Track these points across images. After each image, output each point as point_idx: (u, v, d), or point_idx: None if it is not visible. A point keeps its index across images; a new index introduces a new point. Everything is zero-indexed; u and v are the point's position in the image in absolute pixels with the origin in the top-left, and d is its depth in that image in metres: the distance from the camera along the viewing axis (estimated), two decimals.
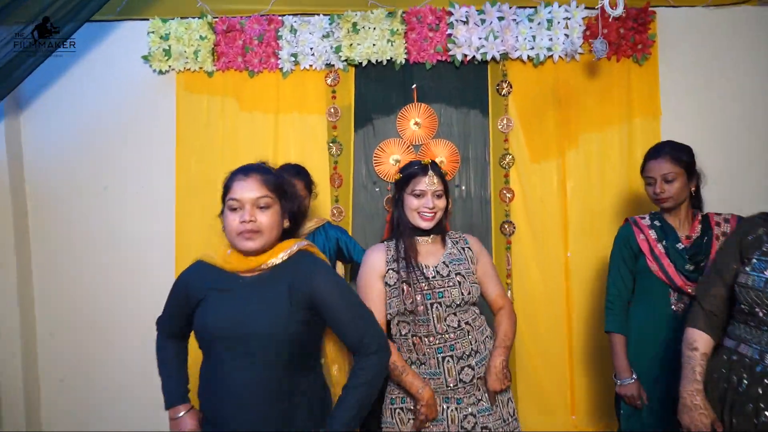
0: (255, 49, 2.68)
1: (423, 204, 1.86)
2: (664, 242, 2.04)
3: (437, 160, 2.67)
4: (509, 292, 2.68)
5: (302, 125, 2.74)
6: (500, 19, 2.61)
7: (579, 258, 2.70)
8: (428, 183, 1.86)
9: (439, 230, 1.94)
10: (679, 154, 2.06)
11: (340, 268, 2.53)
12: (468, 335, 1.85)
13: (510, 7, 2.61)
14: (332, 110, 2.71)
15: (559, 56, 2.65)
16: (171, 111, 2.75)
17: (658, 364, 1.99)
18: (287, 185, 1.52)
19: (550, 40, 2.63)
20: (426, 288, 1.84)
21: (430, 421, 1.81)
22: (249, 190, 1.41)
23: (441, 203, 1.89)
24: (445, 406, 1.83)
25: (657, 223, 2.09)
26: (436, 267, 1.87)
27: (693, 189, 2.08)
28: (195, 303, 1.49)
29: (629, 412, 2.07)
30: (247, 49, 2.68)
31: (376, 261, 1.90)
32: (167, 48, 2.69)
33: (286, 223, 1.50)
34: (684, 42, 2.68)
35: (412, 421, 1.83)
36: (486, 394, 1.85)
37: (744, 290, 1.52)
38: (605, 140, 2.70)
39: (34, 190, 2.79)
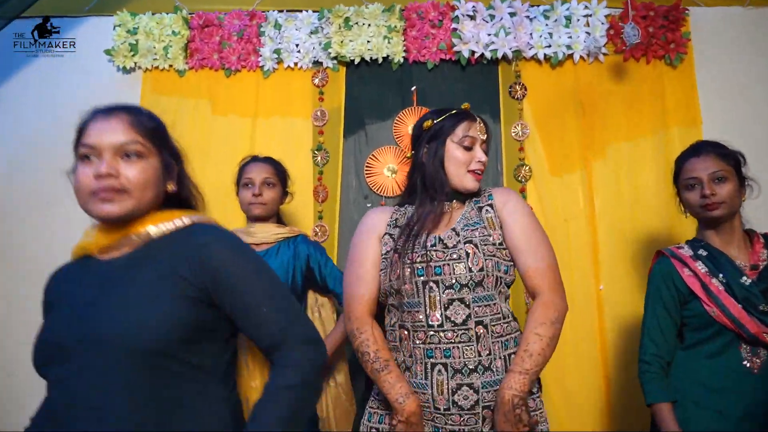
0: (233, 45, 2.37)
1: (476, 157, 1.38)
2: (720, 276, 1.49)
3: None
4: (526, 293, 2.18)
5: (284, 130, 2.37)
6: (512, 15, 2.31)
7: (613, 292, 2.22)
8: (479, 130, 1.41)
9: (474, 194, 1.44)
10: (726, 151, 1.57)
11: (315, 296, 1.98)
12: (478, 340, 1.25)
13: (522, 3, 2.32)
14: (319, 113, 2.35)
15: (580, 56, 2.32)
16: None
17: None
18: (168, 134, 1.09)
19: (570, 38, 2.30)
20: (418, 258, 1.31)
21: None
22: (111, 132, 0.97)
23: (486, 160, 1.42)
24: None
25: (702, 252, 1.54)
26: (440, 235, 1.35)
27: (743, 199, 1.57)
28: (47, 313, 1.03)
29: None
30: (225, 45, 2.37)
31: (376, 220, 1.45)
32: (134, 43, 2.37)
33: (171, 186, 1.04)
34: (721, 43, 2.36)
35: None
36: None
37: None
38: (637, 151, 2.31)
39: None
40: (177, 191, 1.06)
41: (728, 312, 1.44)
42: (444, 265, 1.29)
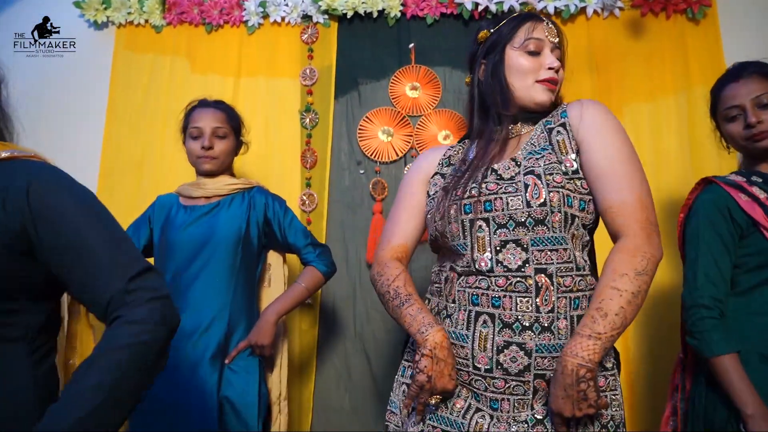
0: None
1: (545, 64, 1.13)
2: (765, 189, 1.28)
3: (441, 135, 2.07)
4: None
5: (269, 91, 2.16)
6: None
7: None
8: (548, 30, 1.15)
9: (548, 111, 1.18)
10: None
11: (277, 260, 1.72)
12: (538, 292, 1.00)
13: None
14: (308, 72, 2.14)
15: (594, 10, 2.12)
16: (106, 74, 2.19)
17: None
18: None
19: None
20: (466, 194, 1.08)
21: (438, 398, 1.02)
22: None
23: (561, 69, 1.18)
24: (469, 405, 1.03)
25: (756, 179, 1.32)
26: (497, 166, 1.10)
27: None
28: None
29: None
30: None
31: (428, 160, 1.25)
32: None
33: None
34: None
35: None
36: (550, 414, 0.98)
37: None
38: (658, 112, 2.09)
39: None
40: None
41: None
42: (496, 199, 1.04)
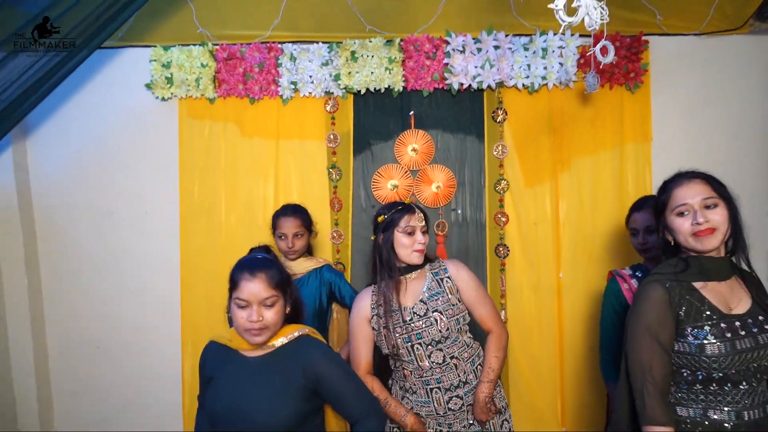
0: (255, 76, 2.73)
1: (417, 240, 1.93)
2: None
3: (434, 185, 2.77)
4: (503, 312, 2.79)
5: (302, 151, 2.81)
6: (496, 48, 2.66)
7: (571, 279, 2.80)
8: (418, 219, 1.95)
9: (422, 265, 1.99)
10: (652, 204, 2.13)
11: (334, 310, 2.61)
12: (456, 368, 1.90)
13: (506, 36, 2.66)
14: (332, 136, 2.78)
15: (554, 84, 2.71)
16: (174, 136, 2.82)
17: None
18: (289, 278, 1.60)
19: (545, 68, 2.68)
20: (403, 332, 1.88)
21: None
22: (257, 291, 1.48)
23: (426, 239, 1.98)
24: (438, 429, 1.93)
25: (638, 273, 2.13)
26: (412, 308, 1.90)
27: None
28: (208, 380, 1.59)
29: None
30: (248, 76, 2.73)
31: (363, 306, 1.99)
32: (169, 76, 2.74)
33: (288, 309, 1.58)
34: (676, 69, 2.74)
35: None
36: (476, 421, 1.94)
37: (705, 359, 1.41)
38: (597, 163, 2.78)
39: (43, 215, 2.87)
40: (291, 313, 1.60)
41: None
42: (422, 331, 1.89)
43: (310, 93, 2.75)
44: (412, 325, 1.88)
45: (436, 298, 1.91)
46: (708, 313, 1.45)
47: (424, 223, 1.97)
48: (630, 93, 2.73)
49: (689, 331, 1.44)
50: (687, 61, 2.75)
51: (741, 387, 1.43)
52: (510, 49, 2.67)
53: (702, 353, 1.41)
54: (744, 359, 1.41)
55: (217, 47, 2.74)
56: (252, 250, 1.76)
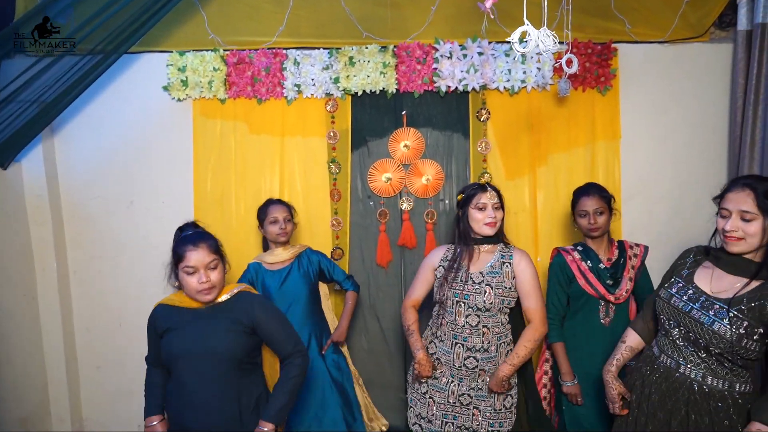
0: (262, 79, 3.02)
1: (487, 215, 2.27)
2: (588, 263, 2.49)
3: (424, 178, 3.06)
4: None
5: (305, 147, 3.10)
6: (480, 54, 2.95)
7: (547, 262, 3.10)
8: (489, 197, 2.29)
9: (497, 240, 2.33)
10: (604, 192, 2.52)
11: (323, 288, 2.96)
12: (482, 336, 2.23)
13: (489, 43, 2.95)
14: (332, 134, 3.07)
15: (532, 87, 3.00)
16: (188, 133, 3.10)
17: (593, 370, 2.39)
18: (220, 244, 1.95)
19: (524, 73, 2.97)
20: (457, 288, 2.25)
21: (425, 378, 2.31)
22: (201, 257, 1.82)
23: (499, 214, 2.31)
24: (450, 379, 2.29)
25: (580, 248, 2.55)
26: (472, 275, 2.25)
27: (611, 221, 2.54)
28: (161, 333, 1.90)
29: (570, 407, 2.52)
30: (256, 79, 3.02)
31: (434, 256, 2.40)
32: (184, 79, 3.02)
33: (227, 270, 1.95)
34: (642, 74, 3.03)
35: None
36: (487, 385, 2.27)
37: (658, 300, 1.89)
38: (571, 159, 3.08)
39: (69, 204, 3.16)
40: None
41: (590, 282, 2.45)
42: (471, 295, 2.24)
43: (312, 94, 3.04)
44: (467, 287, 2.23)
45: (493, 276, 2.25)
46: (685, 273, 1.85)
47: (496, 200, 2.29)
48: (601, 95, 3.02)
49: (669, 282, 1.91)
50: (653, 67, 3.04)
51: (670, 337, 1.83)
52: (493, 55, 2.96)
53: (661, 298, 1.86)
54: (672, 315, 1.80)
55: (228, 53, 3.02)
56: (181, 228, 2.10)
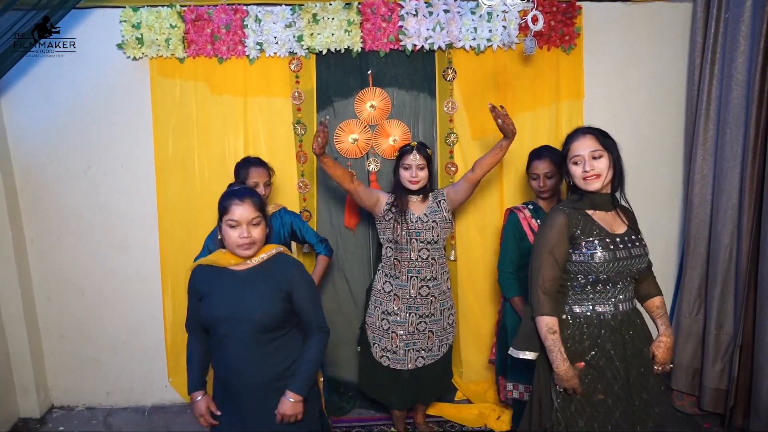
0: (223, 37, 2.91)
1: (411, 176, 2.54)
2: (537, 221, 2.60)
3: (391, 139, 3.05)
4: (453, 251, 3.15)
5: (269, 107, 3.03)
6: (446, 11, 2.91)
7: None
8: (413, 159, 2.55)
9: (425, 192, 2.63)
10: (556, 157, 2.57)
11: (294, 247, 2.95)
12: (431, 266, 2.61)
13: (455, 0, 2.91)
14: (296, 94, 3.01)
15: (498, 46, 2.99)
16: (146, 94, 2.99)
17: None
18: (266, 205, 1.94)
19: (490, 31, 2.95)
20: (409, 228, 2.56)
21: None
22: (246, 213, 1.81)
23: (423, 173, 2.56)
24: (409, 312, 2.62)
25: (531, 206, 2.67)
26: (419, 216, 2.59)
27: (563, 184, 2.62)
28: (201, 297, 1.89)
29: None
30: (216, 37, 2.91)
31: (382, 197, 2.66)
32: (140, 36, 2.89)
33: (267, 231, 1.92)
34: (605, 33, 3.06)
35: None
36: (438, 309, 2.66)
37: (592, 265, 1.85)
38: (536, 118, 3.11)
39: (22, 171, 3.03)
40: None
41: None
42: (422, 231, 2.57)
43: (275, 53, 2.95)
44: (416, 225, 2.56)
45: (435, 213, 2.61)
46: (597, 231, 1.89)
47: (420, 162, 2.55)
48: (565, 54, 3.04)
49: (583, 244, 1.87)
50: (615, 26, 3.06)
51: (618, 286, 1.91)
52: (459, 13, 2.93)
53: (592, 260, 1.86)
54: (621, 265, 1.87)
55: (185, 8, 2.89)
56: (231, 185, 2.06)
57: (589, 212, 1.93)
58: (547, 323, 1.88)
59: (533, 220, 2.60)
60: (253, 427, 1.89)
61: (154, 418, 3.17)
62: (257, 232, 1.84)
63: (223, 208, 1.84)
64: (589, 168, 1.87)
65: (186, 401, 3.24)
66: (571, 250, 1.90)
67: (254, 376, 1.86)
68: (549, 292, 1.89)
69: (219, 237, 1.88)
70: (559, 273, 1.91)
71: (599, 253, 1.85)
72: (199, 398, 1.95)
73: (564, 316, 1.93)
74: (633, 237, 1.94)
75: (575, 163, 1.91)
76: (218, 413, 1.93)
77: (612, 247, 1.87)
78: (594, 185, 1.88)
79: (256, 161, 2.66)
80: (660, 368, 1.98)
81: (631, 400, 1.93)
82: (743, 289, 2.77)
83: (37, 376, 3.16)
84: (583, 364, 1.90)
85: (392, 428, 2.95)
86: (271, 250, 1.92)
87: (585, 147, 1.89)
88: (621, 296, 1.92)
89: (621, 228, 1.95)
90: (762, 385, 2.67)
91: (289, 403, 1.86)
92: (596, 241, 1.87)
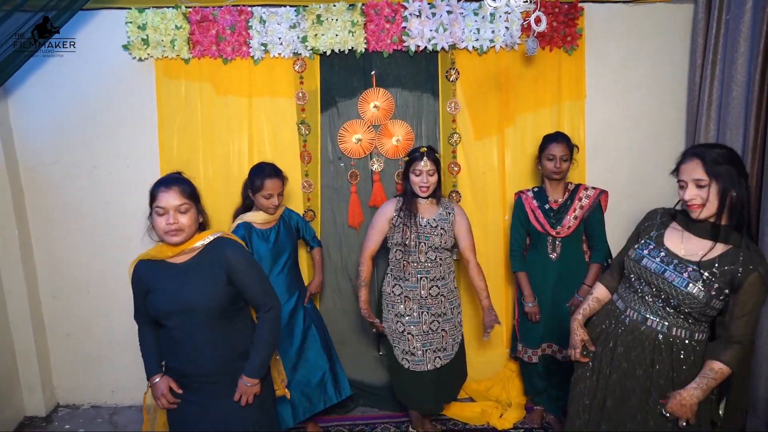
0: (228, 38, 2.93)
1: (421, 181, 2.58)
2: (537, 202, 2.80)
3: (394, 139, 3.08)
4: (456, 249, 3.16)
5: (273, 108, 3.05)
6: (449, 12, 2.94)
7: None
8: (423, 165, 2.57)
9: (435, 196, 2.66)
10: (569, 142, 2.74)
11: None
12: (440, 267, 2.66)
13: (458, 1, 2.93)
14: (300, 94, 3.03)
15: (500, 46, 3.01)
16: (151, 95, 3.01)
17: (543, 296, 2.84)
18: (197, 192, 1.94)
19: (493, 32, 2.98)
20: (418, 232, 2.61)
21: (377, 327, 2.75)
22: (172, 199, 1.81)
23: (433, 179, 2.59)
24: (421, 311, 2.67)
25: (536, 190, 2.87)
26: (428, 220, 2.63)
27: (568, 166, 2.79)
28: (147, 291, 1.91)
29: (528, 324, 2.91)
30: (221, 38, 2.93)
31: (388, 209, 2.70)
32: (145, 37, 2.91)
33: (201, 219, 1.93)
34: (607, 34, 3.08)
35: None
36: (449, 308, 2.73)
37: (628, 260, 1.99)
38: (538, 119, 3.13)
39: (28, 171, 3.05)
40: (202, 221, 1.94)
41: (538, 220, 2.75)
42: (430, 236, 2.62)
43: (279, 54, 2.98)
44: (425, 230, 2.62)
45: (443, 221, 2.66)
46: (654, 234, 1.94)
47: (431, 167, 2.58)
48: (567, 55, 3.07)
49: (641, 239, 1.99)
50: (617, 27, 3.09)
51: (638, 294, 1.94)
52: (462, 14, 2.95)
53: (627, 254, 2.00)
54: (643, 275, 1.90)
55: (190, 10, 2.91)
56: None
57: (672, 225, 1.92)
58: (596, 287, 2.16)
59: (534, 201, 2.82)
60: (213, 411, 1.93)
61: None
62: (185, 219, 1.83)
63: (151, 196, 1.85)
64: (689, 197, 1.79)
65: None
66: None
67: (210, 362, 1.89)
68: (613, 271, 2.12)
69: (150, 226, 1.89)
70: (621, 258, 2.06)
71: (638, 252, 1.93)
72: (157, 379, 1.98)
73: (615, 297, 2.08)
74: (691, 268, 1.79)
75: (681, 187, 1.85)
76: (180, 391, 1.95)
77: (651, 259, 1.88)
78: (695, 214, 1.80)
79: (271, 172, 2.64)
80: (669, 414, 1.85)
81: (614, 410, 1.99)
82: None
83: (42, 374, 3.19)
84: (594, 347, 2.05)
85: (410, 428, 2.98)
86: (209, 236, 1.91)
87: (689, 173, 1.80)
88: (640, 307, 1.91)
89: (694, 256, 1.81)
90: (759, 384, 2.69)
91: (246, 387, 1.92)
92: (644, 242, 1.94)
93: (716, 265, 1.76)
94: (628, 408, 1.93)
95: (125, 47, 2.94)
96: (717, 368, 1.76)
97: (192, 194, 1.88)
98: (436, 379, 2.73)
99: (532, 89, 3.10)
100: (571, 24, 3.00)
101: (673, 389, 1.83)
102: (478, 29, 2.97)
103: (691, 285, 1.77)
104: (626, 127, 3.17)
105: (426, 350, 2.69)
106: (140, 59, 2.97)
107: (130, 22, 2.90)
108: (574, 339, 2.09)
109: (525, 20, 2.94)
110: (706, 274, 1.76)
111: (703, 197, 1.76)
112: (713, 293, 1.75)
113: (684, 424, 1.81)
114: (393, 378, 2.86)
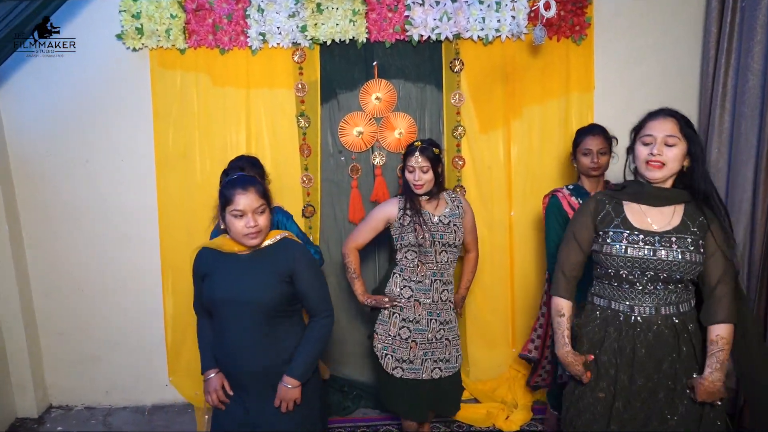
0: (225, 27, 2.84)
1: (414, 178, 2.38)
2: (578, 199, 2.50)
3: (397, 132, 2.98)
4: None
5: (272, 100, 2.96)
6: (453, 1, 2.84)
7: (521, 216, 3.11)
8: (415, 162, 2.37)
9: (431, 193, 2.43)
10: (607, 133, 2.51)
11: None
12: (450, 268, 2.47)
13: None
14: (300, 86, 2.94)
15: (506, 36, 2.91)
16: (146, 86, 2.92)
17: None
18: (269, 191, 1.90)
19: (499, 21, 2.88)
20: (431, 231, 2.39)
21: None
22: (250, 202, 1.78)
23: (427, 176, 2.37)
24: (430, 318, 2.44)
25: (571, 187, 2.57)
26: (439, 217, 2.43)
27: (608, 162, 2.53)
28: (203, 277, 1.86)
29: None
30: (217, 27, 2.84)
31: (390, 208, 2.47)
32: (139, 27, 2.81)
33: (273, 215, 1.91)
34: (617, 23, 2.98)
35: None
36: (452, 316, 2.53)
37: (607, 257, 1.78)
38: (545, 111, 3.03)
39: (19, 164, 2.96)
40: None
41: None
42: (445, 234, 2.41)
43: (278, 44, 2.88)
44: (438, 227, 2.41)
45: (455, 217, 2.46)
46: (617, 221, 1.79)
47: (424, 164, 2.36)
48: (575, 45, 2.97)
49: (602, 234, 1.81)
50: (626, 16, 2.98)
51: (636, 287, 1.78)
52: (466, 2, 2.85)
53: (601, 251, 1.80)
54: (636, 265, 1.75)
55: None
56: (226, 172, 2.14)
57: (625, 202, 1.82)
58: (558, 305, 1.90)
59: (572, 198, 2.49)
60: (253, 414, 1.87)
61: (155, 418, 3.10)
62: (263, 220, 1.80)
63: (225, 199, 1.79)
64: (657, 152, 1.70)
65: (187, 400, 3.17)
66: (594, 238, 1.84)
67: (254, 363, 1.83)
68: (568, 276, 1.89)
69: (222, 227, 1.82)
70: (583, 258, 1.88)
71: (610, 245, 1.77)
72: (212, 375, 1.94)
73: (587, 304, 1.92)
74: (675, 238, 1.73)
75: (644, 144, 1.75)
76: (231, 393, 1.91)
77: (626, 242, 1.75)
78: (655, 174, 1.73)
79: (248, 163, 2.47)
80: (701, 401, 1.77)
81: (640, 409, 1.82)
82: (756, 286, 2.70)
83: (34, 374, 3.09)
84: (592, 356, 1.86)
85: None
86: (277, 235, 1.89)
87: (661, 129, 1.73)
88: (644, 299, 1.76)
89: (663, 225, 1.76)
90: None
91: (285, 389, 1.84)
92: (612, 233, 1.78)
93: (688, 223, 1.76)
94: (654, 403, 1.80)
95: (119, 37, 2.84)
96: (721, 334, 1.73)
97: (265, 194, 1.85)
98: (432, 389, 2.48)
99: (539, 80, 3.00)
100: (580, 13, 2.90)
101: (697, 364, 1.79)
102: (483, 18, 2.87)
103: (685, 253, 1.73)
104: (638, 119, 3.04)
105: (426, 359, 2.44)
106: (134, 49, 2.88)
107: (124, 11, 2.81)
108: (576, 369, 1.87)
109: (531, 9, 2.84)
110: (689, 238, 1.74)
111: (667, 156, 1.71)
112: (702, 251, 1.75)
113: (719, 403, 1.77)
114: (381, 385, 2.55)
